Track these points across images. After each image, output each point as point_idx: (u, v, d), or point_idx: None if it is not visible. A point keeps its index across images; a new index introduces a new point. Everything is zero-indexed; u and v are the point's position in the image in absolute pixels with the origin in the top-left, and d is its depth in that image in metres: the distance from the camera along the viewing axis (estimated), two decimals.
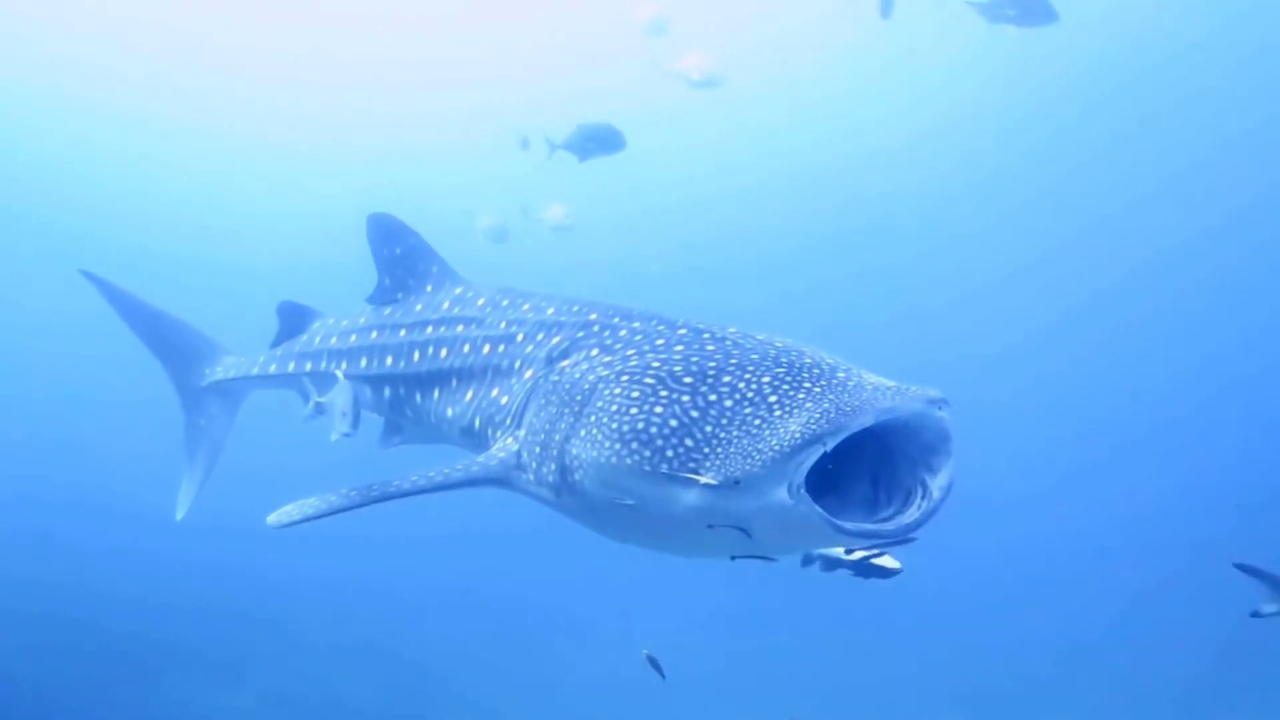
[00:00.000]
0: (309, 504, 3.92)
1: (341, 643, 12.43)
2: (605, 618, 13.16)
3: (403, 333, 5.20)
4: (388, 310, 5.48)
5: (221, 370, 6.58)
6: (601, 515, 3.66)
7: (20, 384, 18.64)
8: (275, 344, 6.19)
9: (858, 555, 4.76)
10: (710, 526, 3.28)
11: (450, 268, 5.51)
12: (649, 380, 3.52)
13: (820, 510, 3.09)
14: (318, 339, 5.87)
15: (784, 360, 3.46)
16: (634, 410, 3.43)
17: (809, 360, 3.47)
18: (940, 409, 3.24)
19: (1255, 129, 19.31)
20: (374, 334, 5.40)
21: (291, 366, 5.94)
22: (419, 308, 5.31)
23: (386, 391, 5.14)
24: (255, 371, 6.26)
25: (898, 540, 3.24)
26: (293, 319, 6.15)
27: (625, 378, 3.59)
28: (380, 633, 12.73)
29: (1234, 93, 19.47)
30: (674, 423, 3.32)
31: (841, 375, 3.37)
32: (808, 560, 4.95)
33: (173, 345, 6.82)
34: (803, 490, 3.09)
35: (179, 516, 6.85)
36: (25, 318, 20.75)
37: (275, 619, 12.49)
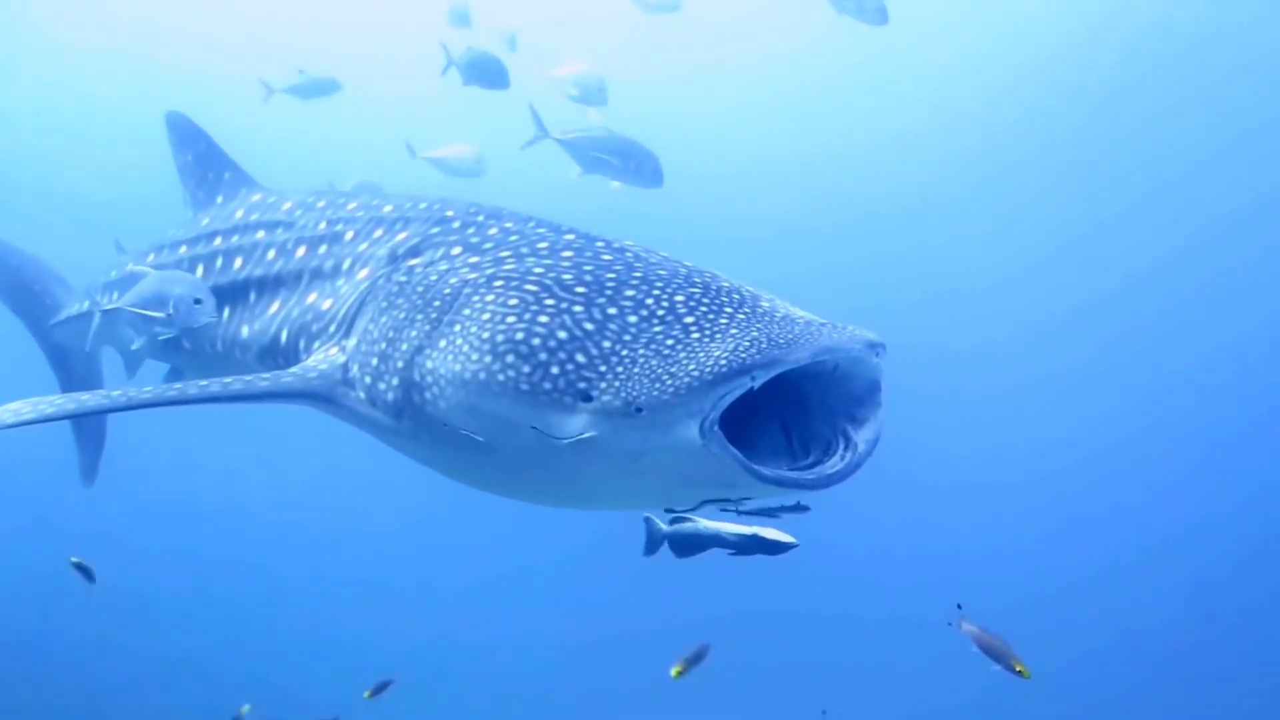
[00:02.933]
0: (44, 403, 3.10)
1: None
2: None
3: (183, 249, 4.42)
4: (173, 230, 4.73)
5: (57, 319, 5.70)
6: (452, 447, 2.97)
7: None
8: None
9: (744, 531, 4.09)
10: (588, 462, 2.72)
11: (246, 174, 4.75)
12: (530, 287, 2.92)
13: (736, 452, 2.58)
14: (114, 272, 5.06)
15: (698, 280, 2.94)
16: (511, 319, 2.83)
17: (726, 284, 2.95)
18: (878, 355, 2.78)
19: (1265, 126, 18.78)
20: (150, 257, 4.64)
21: (82, 306, 5.15)
22: (205, 221, 4.51)
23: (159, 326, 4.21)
24: (71, 313, 5.40)
25: (818, 488, 2.70)
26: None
27: (499, 283, 2.97)
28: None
29: (1246, 88, 18.97)
30: (562, 334, 2.76)
31: (766, 304, 2.88)
32: (654, 543, 4.21)
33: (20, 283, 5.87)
34: (717, 429, 2.58)
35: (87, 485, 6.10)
36: None
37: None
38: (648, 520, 4.24)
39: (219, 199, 4.65)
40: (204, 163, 4.80)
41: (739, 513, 3.04)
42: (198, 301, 3.79)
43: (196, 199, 4.76)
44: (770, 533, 4.12)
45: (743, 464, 2.58)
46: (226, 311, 3.93)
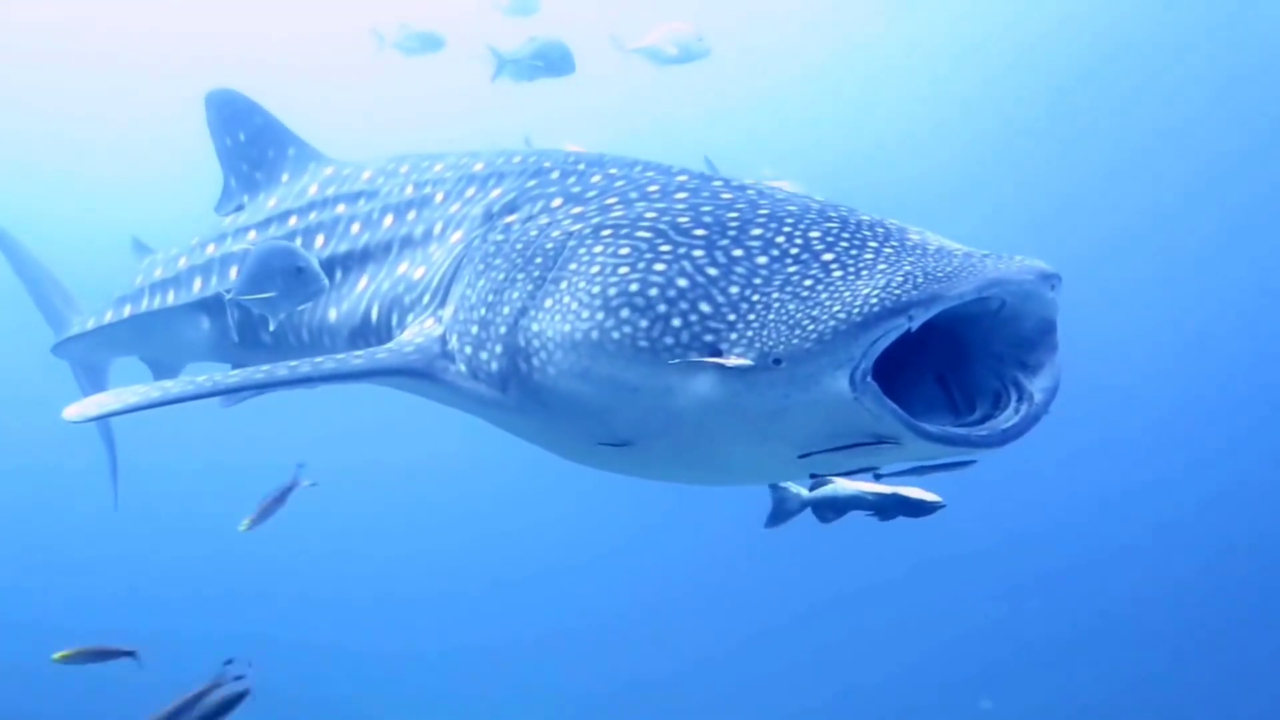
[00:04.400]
0: (136, 391, 2.82)
1: None
2: None
3: (251, 235, 4.04)
4: (229, 219, 4.28)
5: (67, 331, 5.28)
6: (565, 422, 2.67)
7: None
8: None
9: (886, 490, 3.78)
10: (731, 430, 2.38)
11: (312, 147, 4.31)
12: (643, 234, 2.59)
13: (894, 406, 2.23)
14: (139, 278, 4.60)
15: (833, 215, 2.57)
16: (623, 269, 2.51)
17: (866, 218, 2.58)
18: (1053, 288, 2.40)
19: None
20: (210, 248, 4.20)
21: (109, 317, 4.67)
22: (271, 203, 4.12)
23: (233, 316, 3.83)
24: (90, 326, 4.92)
25: (992, 446, 2.33)
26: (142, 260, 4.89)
27: (607, 232, 2.64)
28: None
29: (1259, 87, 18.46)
30: (682, 282, 2.42)
31: (915, 237, 2.52)
32: (786, 511, 3.89)
33: (51, 302, 5.61)
34: (870, 379, 2.23)
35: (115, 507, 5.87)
36: None
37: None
38: (776, 486, 3.88)
39: (284, 177, 4.24)
40: (261, 140, 4.35)
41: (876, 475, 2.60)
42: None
43: (254, 182, 4.33)
44: (914, 492, 3.80)
45: (903, 419, 2.23)
46: None
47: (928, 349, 2.49)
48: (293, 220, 3.90)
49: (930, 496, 3.85)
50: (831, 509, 3.87)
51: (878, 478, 2.67)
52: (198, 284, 4.16)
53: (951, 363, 2.53)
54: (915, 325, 2.25)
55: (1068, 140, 19.27)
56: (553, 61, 7.24)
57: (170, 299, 4.29)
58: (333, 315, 3.50)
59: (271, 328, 3.54)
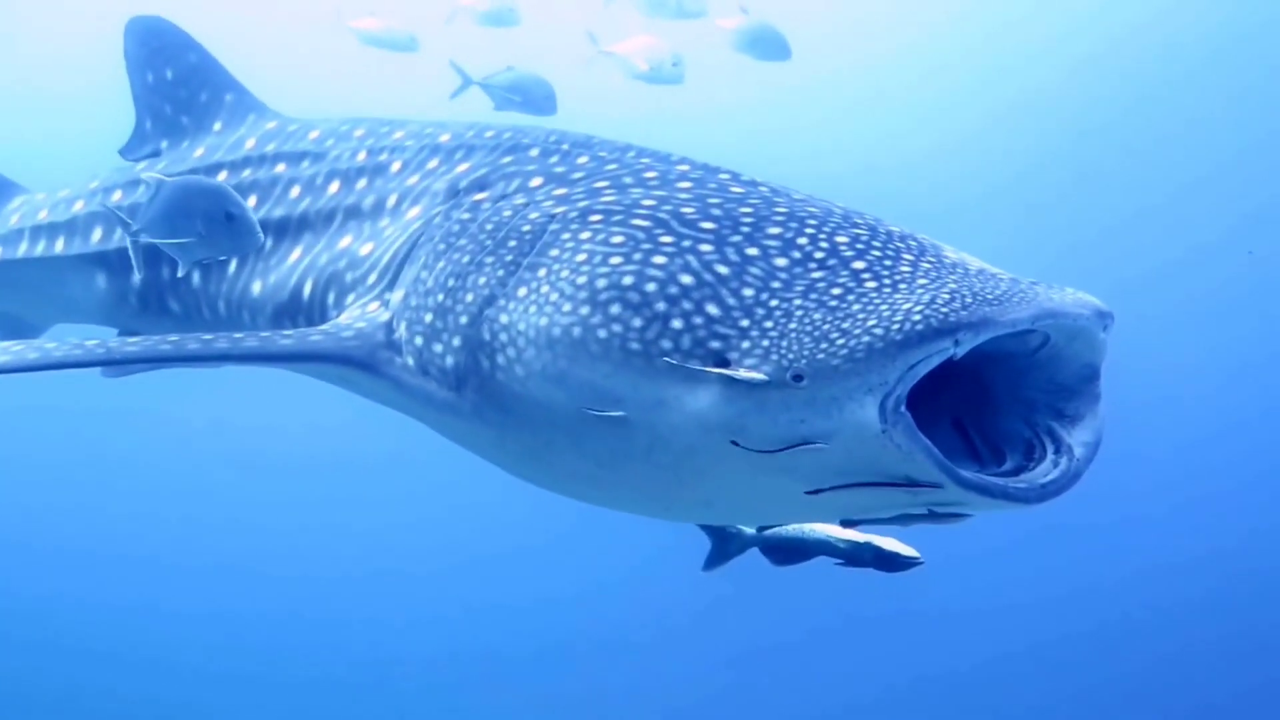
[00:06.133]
0: (36, 346, 2.46)
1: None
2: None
3: None
4: (141, 166, 3.76)
5: None
6: (526, 431, 2.30)
7: None
8: None
9: (858, 539, 3.46)
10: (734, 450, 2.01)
11: (255, 98, 3.82)
12: (639, 221, 2.24)
13: (929, 444, 1.92)
14: (13, 217, 3.99)
15: (860, 221, 2.26)
16: (616, 259, 2.16)
17: (896, 229, 2.27)
18: (1105, 328, 2.13)
19: None
20: (118, 194, 3.68)
21: None
22: (199, 152, 3.65)
23: (136, 277, 3.29)
24: None
25: (1031, 502, 2.02)
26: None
27: (596, 217, 2.30)
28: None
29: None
30: (686, 279, 2.08)
31: (952, 255, 2.21)
32: (727, 550, 3.54)
33: None
34: (904, 410, 1.93)
35: None
36: None
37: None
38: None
39: (216, 126, 3.74)
40: (192, 81, 3.81)
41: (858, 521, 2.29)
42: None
43: (178, 127, 3.80)
44: (888, 543, 3.45)
45: (939, 461, 1.91)
46: (233, 265, 3.12)
47: (947, 390, 2.17)
48: (222, 175, 3.40)
49: (908, 551, 3.52)
50: (791, 552, 3.50)
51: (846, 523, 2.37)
52: (97, 234, 3.60)
53: (971, 407, 2.22)
54: (960, 353, 1.94)
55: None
56: (533, 99, 6.78)
57: (58, 247, 3.70)
58: (257, 288, 3.03)
59: (182, 273, 3.04)
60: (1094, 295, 2.18)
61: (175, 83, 3.83)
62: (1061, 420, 2.15)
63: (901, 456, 1.91)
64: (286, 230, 3.07)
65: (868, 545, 3.47)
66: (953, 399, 2.22)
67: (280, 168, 3.28)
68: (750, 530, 3.53)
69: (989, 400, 2.21)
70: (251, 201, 3.19)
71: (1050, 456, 2.09)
